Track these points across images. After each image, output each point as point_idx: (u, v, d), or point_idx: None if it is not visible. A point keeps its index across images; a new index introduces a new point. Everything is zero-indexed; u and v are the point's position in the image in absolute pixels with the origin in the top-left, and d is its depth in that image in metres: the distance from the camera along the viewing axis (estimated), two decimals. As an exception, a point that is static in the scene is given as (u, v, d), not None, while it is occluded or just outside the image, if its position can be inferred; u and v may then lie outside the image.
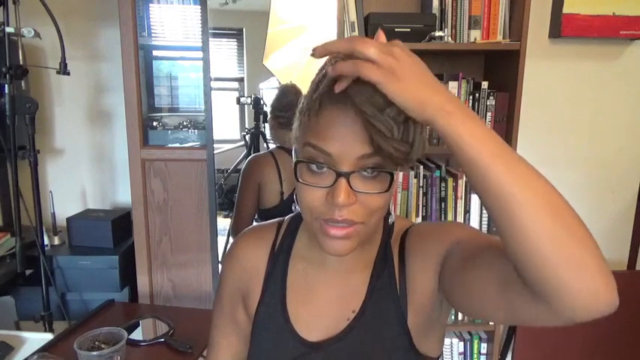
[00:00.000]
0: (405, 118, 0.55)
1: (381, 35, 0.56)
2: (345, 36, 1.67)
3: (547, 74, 1.96)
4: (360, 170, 0.58)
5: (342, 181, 0.57)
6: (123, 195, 2.05)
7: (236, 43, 4.24)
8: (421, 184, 1.74)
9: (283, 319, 0.73)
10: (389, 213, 0.71)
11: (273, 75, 2.94)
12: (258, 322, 0.75)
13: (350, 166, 0.58)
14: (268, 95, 3.15)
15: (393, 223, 0.77)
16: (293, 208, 0.72)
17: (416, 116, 0.51)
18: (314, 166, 0.60)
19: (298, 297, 0.74)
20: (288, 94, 1.88)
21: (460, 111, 0.50)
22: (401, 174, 1.73)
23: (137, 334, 1.40)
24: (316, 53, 0.54)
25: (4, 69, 1.48)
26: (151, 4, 1.84)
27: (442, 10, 1.71)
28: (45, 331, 1.58)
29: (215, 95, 1.77)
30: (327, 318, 0.72)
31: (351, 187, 0.58)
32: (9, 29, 1.49)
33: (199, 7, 1.70)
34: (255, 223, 1.78)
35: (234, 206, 1.90)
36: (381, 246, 0.75)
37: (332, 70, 0.53)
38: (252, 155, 2.04)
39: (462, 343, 1.87)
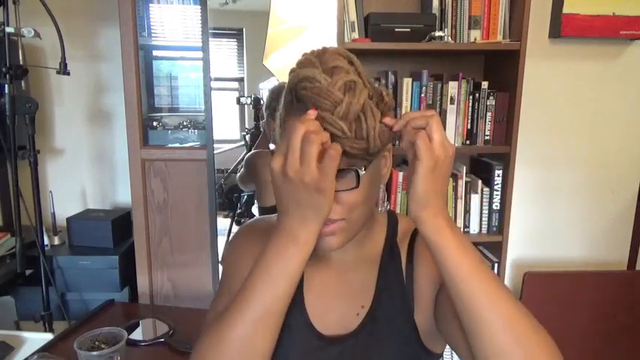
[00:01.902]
0: (356, 115, 0.58)
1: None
2: (345, 36, 1.67)
3: (547, 74, 1.96)
4: None
5: None
6: (123, 195, 2.05)
7: (236, 43, 4.24)
8: (421, 184, 1.74)
9: (300, 313, 0.74)
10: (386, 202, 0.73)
11: (273, 75, 2.94)
12: None
13: None
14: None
15: (397, 221, 0.79)
16: None
17: (414, 207, 0.57)
18: None
19: (313, 292, 0.76)
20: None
21: (450, 228, 0.56)
22: (400, 174, 1.73)
23: (137, 334, 1.40)
24: (395, 126, 0.59)
25: (4, 69, 1.48)
26: (151, 4, 1.84)
27: (442, 10, 1.71)
28: (45, 331, 1.58)
29: (215, 95, 1.77)
30: (338, 313, 0.74)
31: None
32: (9, 29, 1.49)
33: (199, 7, 1.70)
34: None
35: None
36: (386, 244, 0.76)
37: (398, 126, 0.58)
38: (256, 151, 2.04)
39: (462, 343, 1.87)
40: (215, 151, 1.77)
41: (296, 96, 0.60)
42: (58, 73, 1.53)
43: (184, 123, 1.95)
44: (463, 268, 0.55)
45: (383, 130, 0.61)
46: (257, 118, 2.98)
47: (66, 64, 1.54)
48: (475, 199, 1.77)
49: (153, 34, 1.88)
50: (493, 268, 1.79)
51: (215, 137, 1.74)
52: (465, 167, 1.76)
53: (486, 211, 1.78)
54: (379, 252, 0.76)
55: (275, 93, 1.91)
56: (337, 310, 0.74)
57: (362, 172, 0.61)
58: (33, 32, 1.51)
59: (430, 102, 1.68)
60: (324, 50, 0.63)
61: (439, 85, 1.68)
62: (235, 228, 2.97)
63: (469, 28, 1.72)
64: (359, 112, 0.58)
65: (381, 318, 0.72)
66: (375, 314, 0.72)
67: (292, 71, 0.62)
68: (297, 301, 0.75)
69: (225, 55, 4.29)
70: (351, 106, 0.57)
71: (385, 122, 0.59)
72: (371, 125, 0.59)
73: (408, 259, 0.74)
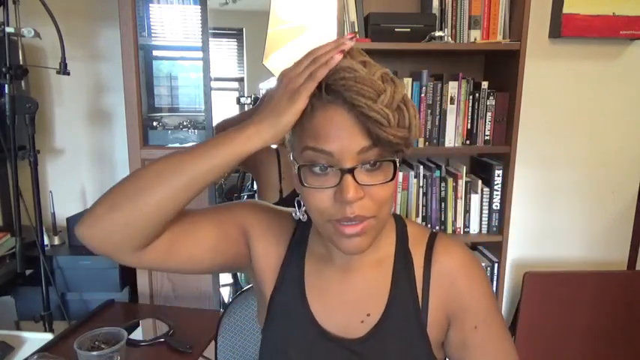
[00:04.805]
0: (398, 105, 0.57)
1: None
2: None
3: (547, 74, 1.96)
4: (363, 164, 0.59)
5: (348, 177, 0.58)
6: (123, 195, 2.05)
7: (236, 43, 4.24)
8: (421, 184, 1.74)
9: (303, 308, 0.73)
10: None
11: (273, 75, 2.94)
12: (275, 308, 0.75)
13: (352, 162, 0.58)
14: (268, 95, 3.16)
15: (406, 225, 0.77)
16: (294, 215, 0.71)
17: None
18: (317, 169, 0.60)
19: (315, 290, 0.74)
20: None
21: None
22: (401, 174, 1.73)
23: (137, 334, 1.40)
24: None
25: (4, 69, 1.48)
26: (151, 4, 1.84)
27: (442, 10, 1.71)
28: (45, 331, 1.58)
29: (215, 95, 1.77)
30: (341, 316, 0.72)
31: (357, 182, 0.58)
32: (9, 29, 1.49)
33: (199, 7, 1.70)
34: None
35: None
36: (397, 249, 0.74)
37: None
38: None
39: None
40: (215, 151, 1.76)
41: (326, 88, 0.58)
42: (58, 73, 1.53)
43: (184, 123, 1.94)
44: None
45: (419, 122, 0.60)
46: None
47: (66, 64, 1.54)
48: (475, 199, 1.77)
49: (153, 34, 1.88)
50: (493, 268, 1.80)
51: (215, 137, 1.73)
52: (465, 167, 1.76)
53: (486, 211, 1.78)
54: (389, 257, 0.73)
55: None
56: (341, 312, 0.72)
57: (398, 164, 0.61)
58: (33, 32, 1.51)
59: (430, 102, 1.68)
60: (350, 48, 0.62)
61: (439, 85, 1.68)
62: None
63: (469, 28, 1.72)
64: (400, 101, 0.57)
65: (393, 328, 0.70)
66: (386, 323, 0.70)
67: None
68: (298, 299, 0.74)
69: (225, 55, 4.28)
70: (395, 94, 0.57)
71: None
72: (412, 114, 0.58)
73: (424, 272, 0.72)
